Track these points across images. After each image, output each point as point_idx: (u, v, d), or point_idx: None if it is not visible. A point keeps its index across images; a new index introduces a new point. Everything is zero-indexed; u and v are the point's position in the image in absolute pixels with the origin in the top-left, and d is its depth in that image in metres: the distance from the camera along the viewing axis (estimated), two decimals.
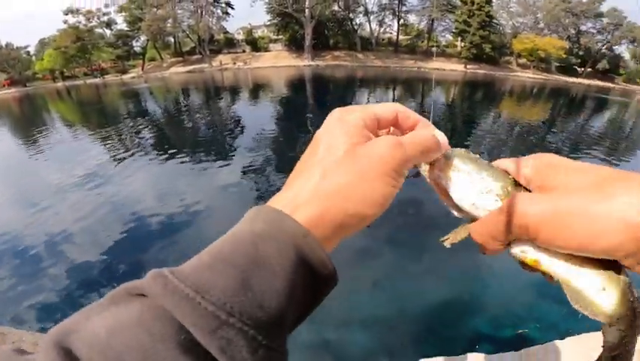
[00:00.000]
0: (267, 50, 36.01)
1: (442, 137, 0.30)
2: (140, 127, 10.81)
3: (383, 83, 20.30)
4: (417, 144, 0.28)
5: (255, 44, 36.34)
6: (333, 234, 0.25)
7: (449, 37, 38.67)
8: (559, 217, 0.23)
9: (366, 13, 35.38)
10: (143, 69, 34.62)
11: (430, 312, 2.94)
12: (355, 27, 35.47)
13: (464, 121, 12.25)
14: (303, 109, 12.09)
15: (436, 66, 32.18)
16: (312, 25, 31.26)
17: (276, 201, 0.25)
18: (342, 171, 0.25)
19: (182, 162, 7.03)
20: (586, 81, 37.12)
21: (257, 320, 0.19)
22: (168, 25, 32.28)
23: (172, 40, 36.12)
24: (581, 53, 40.31)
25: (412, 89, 20.10)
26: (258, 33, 39.09)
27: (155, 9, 31.57)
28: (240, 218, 0.24)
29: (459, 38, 35.46)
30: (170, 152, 7.61)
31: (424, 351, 2.17)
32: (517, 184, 0.29)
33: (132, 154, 7.73)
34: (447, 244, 0.32)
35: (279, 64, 31.61)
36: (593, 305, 0.25)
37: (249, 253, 0.21)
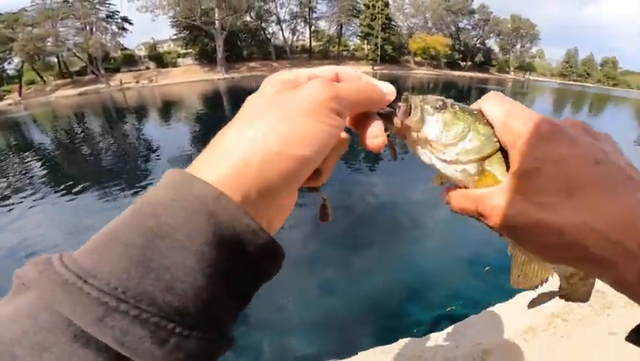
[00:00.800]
0: (175, 65, 34.14)
1: (386, 86, 0.28)
2: (28, 163, 9.40)
3: None
4: (352, 86, 0.25)
5: (161, 60, 34.15)
6: (261, 189, 0.21)
7: (357, 40, 40.90)
8: (532, 230, 0.23)
9: (279, 21, 35.81)
10: (20, 94, 29.72)
11: (365, 305, 3.01)
12: (269, 36, 35.69)
13: None
14: (223, 123, 11.85)
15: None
16: (224, 36, 30.58)
17: (191, 165, 0.22)
18: (265, 113, 0.23)
19: (90, 197, 6.22)
20: (468, 74, 43.49)
21: (163, 304, 0.17)
22: (48, 44, 28.44)
23: (55, 60, 31.85)
24: (462, 48, 46.79)
25: None
26: (163, 48, 36.81)
27: (29, 27, 27.58)
28: None
29: (365, 41, 37.88)
30: (73, 187, 6.64)
31: (362, 345, 2.20)
32: (501, 151, 0.27)
33: (24, 196, 6.63)
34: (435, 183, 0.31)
35: (190, 79, 30.25)
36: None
37: (149, 226, 0.18)
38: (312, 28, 37.57)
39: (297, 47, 38.14)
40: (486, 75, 46.30)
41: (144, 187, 6.57)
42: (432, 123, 0.28)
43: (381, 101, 0.27)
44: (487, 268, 3.54)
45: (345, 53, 39.64)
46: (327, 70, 0.27)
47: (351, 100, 0.25)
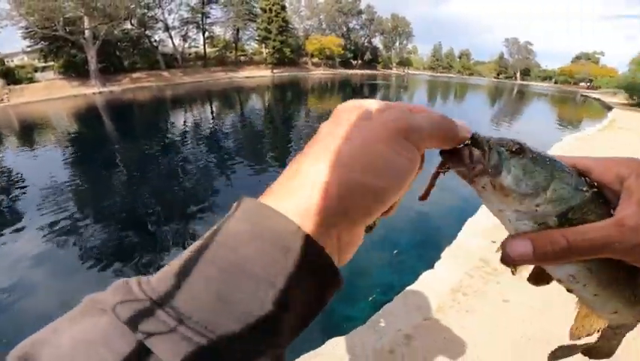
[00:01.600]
0: (32, 80, 28.77)
1: (460, 122, 0.26)
2: None
3: (198, 98, 19.79)
4: (428, 117, 0.24)
5: (13, 76, 28.44)
6: (339, 222, 0.21)
7: (255, 45, 40.78)
8: None
9: (167, 28, 33.08)
10: None
11: None
12: (155, 44, 32.71)
13: (283, 122, 13.42)
14: (105, 142, 10.38)
15: (247, 74, 33.73)
16: (97, 46, 26.82)
17: (267, 193, 0.22)
18: (344, 141, 0.22)
19: None
20: (359, 71, 47.54)
21: (234, 334, 0.17)
22: None
23: None
24: (352, 47, 50.83)
25: (230, 99, 20.51)
26: (14, 62, 30.66)
27: None
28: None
29: (263, 45, 37.90)
30: None
31: (293, 350, 2.18)
32: (599, 197, 0.25)
33: None
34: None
35: (55, 95, 25.74)
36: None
37: (228, 259, 0.18)
38: (207, 34, 36.00)
39: (189, 55, 36.02)
40: (374, 72, 51.64)
41: (14, 225, 5.25)
42: (509, 169, 0.26)
43: (455, 138, 0.26)
44: (395, 251, 3.76)
45: (243, 58, 39.08)
46: (399, 103, 0.26)
47: (427, 132, 0.24)
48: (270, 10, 35.40)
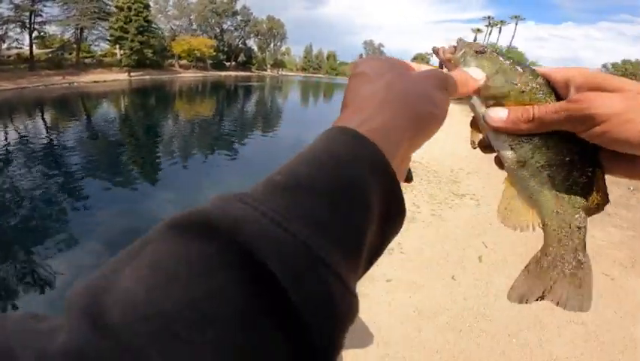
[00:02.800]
0: None
1: (476, 72, 0.34)
2: None
3: (24, 108, 15.75)
4: (456, 74, 0.32)
5: None
6: (410, 144, 0.25)
7: (105, 45, 35.85)
8: (631, 116, 0.27)
9: None
10: None
11: None
12: None
13: (146, 131, 11.98)
14: None
15: (95, 78, 28.93)
16: None
17: (346, 121, 0.24)
18: (398, 78, 0.27)
19: None
20: (233, 73, 47.22)
21: (347, 262, 0.17)
22: None
23: None
24: (226, 49, 50.11)
25: (71, 107, 17.08)
26: None
27: None
28: None
29: (117, 46, 33.63)
30: None
31: None
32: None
33: None
34: (472, 146, 0.39)
35: None
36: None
37: (333, 176, 0.19)
38: (35, 33, 29.29)
39: (9, 57, 28.72)
40: (249, 73, 52.06)
41: None
42: (468, 63, 0.35)
43: (474, 87, 0.33)
44: None
45: (88, 60, 33.42)
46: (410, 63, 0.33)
47: (456, 84, 0.30)
48: (130, 8, 31.78)
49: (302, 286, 0.14)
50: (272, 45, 63.53)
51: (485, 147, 0.37)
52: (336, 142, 0.21)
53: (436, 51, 0.38)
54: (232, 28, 52.08)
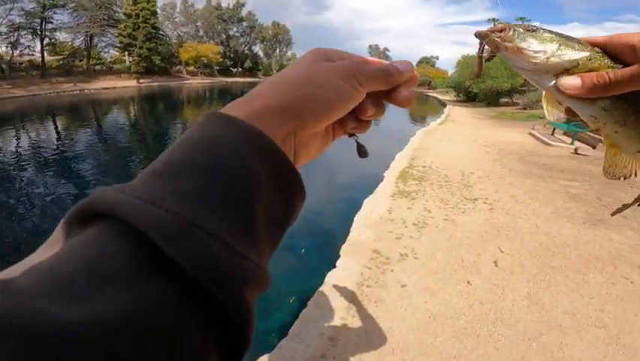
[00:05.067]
0: None
1: (403, 65, 0.33)
2: None
3: (36, 115, 16.11)
4: (374, 65, 0.31)
5: None
6: (295, 123, 0.26)
7: (115, 52, 36.67)
8: None
9: None
10: None
11: None
12: None
13: (156, 137, 12.14)
14: None
15: (104, 85, 29.54)
16: None
17: (227, 107, 0.26)
18: (308, 68, 0.29)
19: None
20: (240, 79, 47.68)
21: (230, 225, 0.18)
22: None
23: None
24: (232, 55, 50.68)
25: (81, 114, 17.41)
26: None
27: None
28: None
29: (126, 53, 34.35)
30: None
31: None
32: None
33: None
34: (548, 117, 0.40)
35: None
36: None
37: (206, 154, 0.20)
38: (47, 40, 30.03)
39: (20, 64, 29.46)
40: (255, 79, 52.60)
41: None
42: (523, 38, 0.36)
43: (395, 82, 0.33)
44: (302, 250, 3.87)
45: (98, 67, 34.12)
46: (357, 55, 0.34)
47: (371, 76, 0.31)
48: (138, 15, 32.44)
49: (181, 250, 0.16)
50: (278, 51, 64.06)
51: (573, 115, 0.40)
52: (207, 125, 0.23)
53: (482, 34, 0.38)
54: (238, 35, 52.75)
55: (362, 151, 0.39)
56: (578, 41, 0.36)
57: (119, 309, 0.14)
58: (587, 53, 0.35)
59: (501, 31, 0.37)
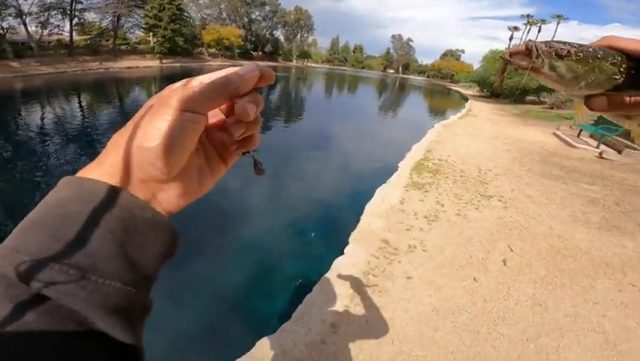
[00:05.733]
0: None
1: (244, 69, 0.30)
2: None
3: (61, 90, 16.62)
4: (201, 85, 0.28)
5: None
6: (140, 175, 0.27)
7: (140, 33, 36.90)
8: None
9: (20, 14, 26.97)
10: None
11: (211, 316, 2.77)
12: (3, 32, 26.36)
13: None
14: None
15: (129, 64, 30.05)
16: None
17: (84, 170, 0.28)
18: (141, 117, 0.27)
19: None
20: (260, 63, 47.43)
21: (82, 262, 0.22)
22: None
23: None
24: (253, 39, 50.59)
25: (105, 91, 17.87)
26: None
27: None
28: None
29: (150, 33, 34.68)
30: None
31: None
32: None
33: None
34: (578, 122, 0.42)
35: None
36: None
37: (56, 212, 0.24)
38: (76, 20, 30.66)
39: (49, 43, 30.23)
40: (275, 63, 52.52)
41: None
42: (553, 67, 0.35)
43: (235, 92, 0.30)
44: (313, 234, 3.92)
45: (124, 47, 34.67)
46: (182, 81, 0.30)
47: (201, 97, 0.28)
48: None
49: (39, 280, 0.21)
50: (299, 36, 63.46)
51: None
52: (59, 187, 0.27)
53: (507, 59, 0.37)
54: (260, 19, 52.47)
55: (258, 168, 0.36)
56: (613, 57, 0.35)
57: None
58: (617, 74, 0.35)
59: (527, 53, 0.35)
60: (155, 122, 0.27)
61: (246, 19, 49.66)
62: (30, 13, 28.23)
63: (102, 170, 0.26)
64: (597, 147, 8.74)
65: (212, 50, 43.13)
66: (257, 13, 51.58)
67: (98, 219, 0.24)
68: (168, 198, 0.29)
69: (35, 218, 0.24)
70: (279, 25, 57.93)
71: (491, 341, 2.21)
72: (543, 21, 53.18)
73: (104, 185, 0.25)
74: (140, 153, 0.26)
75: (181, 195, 0.30)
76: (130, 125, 0.28)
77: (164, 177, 0.28)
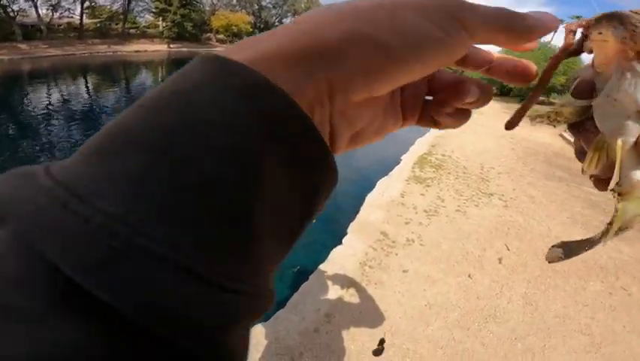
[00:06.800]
0: None
1: (539, 15, 0.21)
2: None
3: (68, 72, 16.68)
4: (491, 8, 0.19)
5: None
6: (324, 65, 0.15)
7: (149, 17, 37.04)
8: None
9: None
10: None
11: None
12: (13, 14, 26.42)
13: None
14: None
15: (137, 48, 30.07)
16: None
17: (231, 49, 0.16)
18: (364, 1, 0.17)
19: None
20: None
21: (196, 242, 0.11)
22: None
23: None
24: (262, 26, 50.31)
25: (112, 74, 17.96)
26: None
27: None
28: None
29: (160, 18, 34.61)
30: None
31: None
32: None
33: None
34: (589, 172, 0.24)
35: None
36: None
37: (175, 121, 0.13)
38: (87, 3, 30.60)
39: (59, 25, 30.30)
40: None
41: None
42: None
43: (531, 33, 0.20)
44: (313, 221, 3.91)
45: (133, 31, 34.63)
46: None
47: (486, 17, 0.19)
48: None
49: (109, 288, 0.10)
50: None
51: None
52: (186, 73, 0.14)
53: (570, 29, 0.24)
54: (270, 6, 51.93)
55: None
56: None
57: (21, 353, 0.09)
58: None
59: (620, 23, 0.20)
60: (403, 13, 0.17)
61: (256, 6, 49.25)
62: None
63: (260, 53, 0.15)
64: None
65: (221, 36, 42.92)
66: (267, 0, 51.10)
67: (249, 154, 0.13)
68: (341, 133, 0.20)
69: (134, 121, 0.13)
70: (289, 14, 57.44)
71: (480, 338, 2.25)
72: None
73: (265, 85, 0.14)
74: (357, 42, 0.16)
75: (356, 139, 0.22)
76: (330, 7, 0.18)
77: (369, 95, 0.18)
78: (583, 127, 0.24)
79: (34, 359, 0.09)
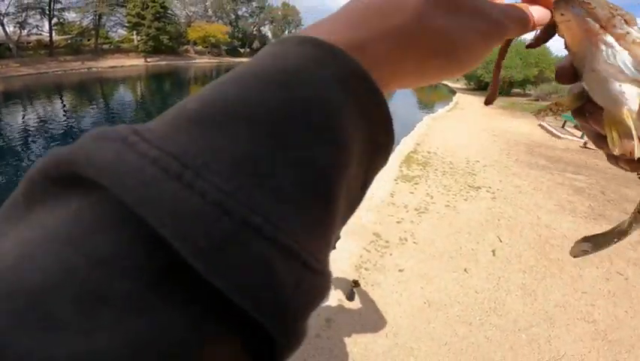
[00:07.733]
0: None
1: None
2: None
3: (43, 92, 16.19)
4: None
5: None
6: (387, 63, 0.17)
7: (122, 31, 36.73)
8: None
9: None
10: None
11: None
12: None
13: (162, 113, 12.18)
14: None
15: (112, 64, 29.47)
16: None
17: (312, 30, 0.17)
18: None
19: None
20: (248, 59, 47.81)
21: (305, 224, 0.11)
22: None
23: None
24: (240, 35, 50.32)
25: (89, 92, 17.50)
26: None
27: None
28: None
29: (134, 32, 34.27)
30: None
31: None
32: None
33: None
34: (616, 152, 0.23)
35: None
36: None
37: (278, 98, 0.12)
38: (55, 20, 29.95)
39: (28, 43, 29.52)
40: None
41: None
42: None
43: (524, 31, 0.23)
44: None
45: (106, 46, 34.02)
46: None
47: (513, 20, 0.21)
48: None
49: (224, 273, 0.10)
50: (286, 32, 63.23)
51: None
52: (288, 53, 0.14)
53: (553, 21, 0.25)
54: (247, 15, 52.10)
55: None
56: None
57: (117, 346, 0.09)
58: None
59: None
60: (463, 19, 0.18)
61: (232, 16, 49.26)
62: (7, 14, 27.45)
63: (353, 37, 0.16)
64: (581, 137, 8.89)
65: (199, 48, 42.64)
66: (243, 9, 51.20)
67: (344, 139, 0.13)
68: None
69: (235, 94, 0.13)
70: (266, 22, 57.64)
71: (484, 332, 2.23)
72: None
73: (353, 63, 0.14)
74: (456, 25, 0.18)
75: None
76: None
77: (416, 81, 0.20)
78: (587, 110, 0.24)
79: (132, 350, 0.09)
